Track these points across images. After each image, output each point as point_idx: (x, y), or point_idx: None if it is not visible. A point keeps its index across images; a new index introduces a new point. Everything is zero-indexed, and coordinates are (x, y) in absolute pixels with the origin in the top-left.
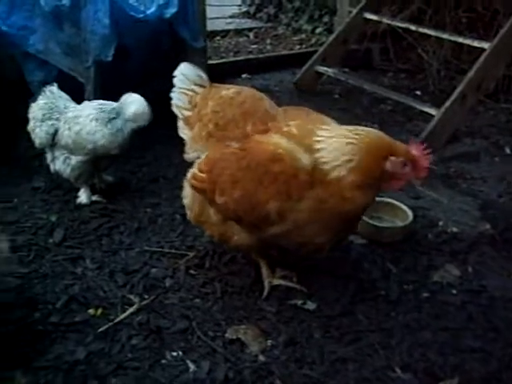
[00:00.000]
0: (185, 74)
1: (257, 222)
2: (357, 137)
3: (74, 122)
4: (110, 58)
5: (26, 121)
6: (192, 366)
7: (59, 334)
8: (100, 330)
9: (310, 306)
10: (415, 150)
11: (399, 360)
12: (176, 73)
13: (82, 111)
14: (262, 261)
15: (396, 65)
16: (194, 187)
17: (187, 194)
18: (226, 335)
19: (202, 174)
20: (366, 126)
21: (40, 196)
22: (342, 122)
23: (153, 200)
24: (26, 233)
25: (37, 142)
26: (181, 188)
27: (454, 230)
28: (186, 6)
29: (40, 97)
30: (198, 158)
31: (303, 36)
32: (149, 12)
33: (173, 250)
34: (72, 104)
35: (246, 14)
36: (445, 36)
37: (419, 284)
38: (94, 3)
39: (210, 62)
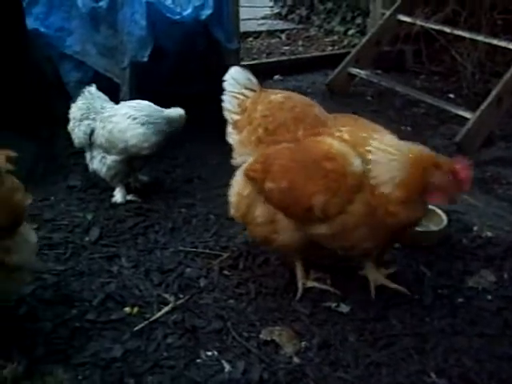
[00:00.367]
0: (235, 77)
1: (301, 214)
2: (401, 153)
3: (107, 121)
4: (145, 59)
5: (64, 120)
6: (227, 366)
7: (96, 331)
8: (136, 328)
9: (344, 308)
10: (458, 164)
11: (434, 365)
12: (226, 77)
13: (118, 110)
14: (298, 262)
15: (429, 67)
16: (247, 176)
17: (234, 193)
18: (261, 336)
19: (255, 165)
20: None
21: (76, 194)
22: (374, 123)
23: (187, 200)
24: (62, 230)
25: (76, 141)
26: (215, 189)
27: (489, 234)
28: (221, 8)
29: (79, 97)
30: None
31: (335, 37)
32: (185, 13)
33: (207, 251)
34: (109, 104)
35: (278, 16)
36: (480, 38)
37: (454, 289)
38: (131, 5)
39: (243, 63)
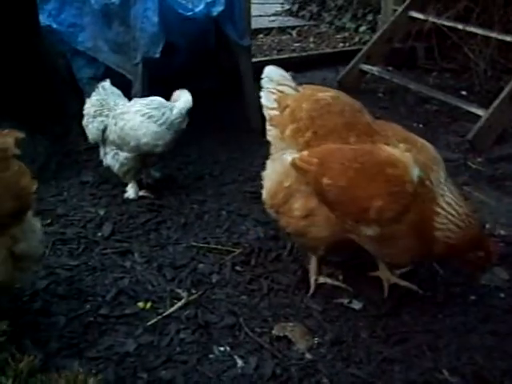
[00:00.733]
0: (269, 75)
1: (354, 214)
2: (468, 223)
3: (120, 118)
4: (157, 55)
5: (77, 116)
6: (239, 362)
7: (109, 325)
8: (149, 323)
9: (356, 305)
10: (493, 247)
11: (446, 362)
12: (263, 75)
13: (130, 107)
14: (314, 258)
15: (441, 64)
16: (298, 168)
17: (272, 182)
18: (273, 332)
19: (311, 158)
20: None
21: (88, 190)
22: (386, 121)
23: (199, 197)
24: (75, 226)
25: (89, 137)
26: (226, 185)
27: (502, 232)
28: (233, 4)
29: (93, 93)
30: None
31: (346, 34)
32: (197, 10)
33: (219, 246)
34: (122, 100)
35: (289, 12)
36: (493, 35)
37: (466, 287)
38: (143, 1)
39: (254, 59)
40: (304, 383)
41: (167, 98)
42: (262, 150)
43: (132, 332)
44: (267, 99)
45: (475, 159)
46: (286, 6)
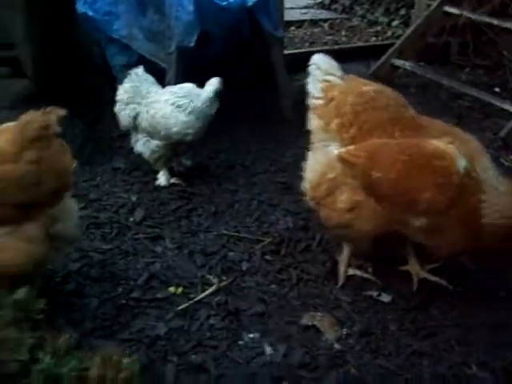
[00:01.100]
0: (317, 63)
1: (403, 205)
2: None
3: (151, 107)
4: (192, 44)
5: (110, 103)
6: (268, 349)
7: (141, 309)
8: (180, 307)
9: (385, 298)
10: None
11: (475, 357)
12: (310, 62)
13: (160, 96)
14: (347, 250)
15: (474, 60)
16: (345, 160)
17: (315, 173)
18: (302, 321)
19: (359, 152)
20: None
21: (120, 176)
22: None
23: (230, 186)
24: (107, 210)
25: (121, 124)
26: (257, 175)
27: None
28: None
29: (126, 80)
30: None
31: (379, 28)
32: (232, 0)
33: (249, 235)
34: (155, 88)
35: (321, 5)
36: None
37: (497, 282)
38: None
39: (286, 51)
40: (332, 373)
41: (201, 87)
42: (294, 141)
43: (163, 316)
44: (313, 87)
45: (508, 156)
46: None
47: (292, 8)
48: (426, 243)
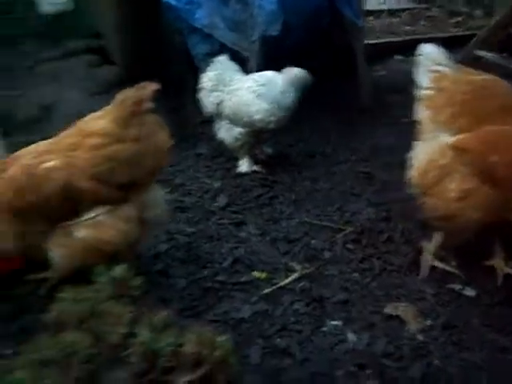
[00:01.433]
0: (428, 53)
1: None
2: None
3: (234, 94)
4: (275, 33)
5: (192, 90)
6: (351, 337)
7: (226, 291)
8: (264, 292)
9: (469, 292)
10: None
11: None
12: (419, 52)
13: (243, 84)
14: (435, 241)
15: None
16: (459, 148)
17: (424, 160)
18: (385, 311)
19: (473, 139)
20: None
21: (203, 162)
22: None
23: (311, 174)
24: (192, 195)
25: (205, 110)
26: (337, 165)
27: None
28: None
29: (210, 67)
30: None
31: (459, 19)
32: None
33: (331, 224)
34: (238, 75)
35: None
36: None
37: None
38: None
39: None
40: (416, 363)
41: None
42: (373, 130)
43: (247, 299)
44: (423, 78)
45: None
46: None
47: None
48: None
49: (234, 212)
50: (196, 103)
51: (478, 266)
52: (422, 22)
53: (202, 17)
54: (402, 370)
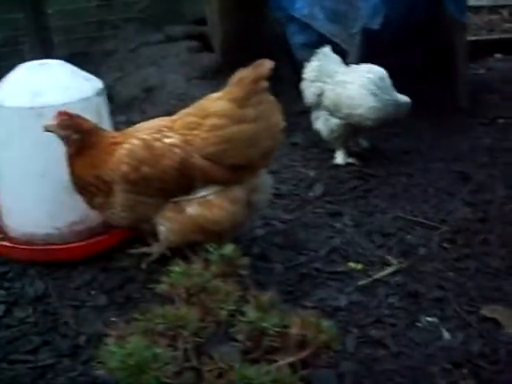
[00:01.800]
0: None
1: None
2: None
3: (339, 85)
4: (377, 27)
5: (288, 80)
6: (446, 335)
7: (322, 279)
8: (360, 283)
9: None
10: None
11: None
12: None
13: (350, 76)
14: None
15: None
16: None
17: None
18: (481, 312)
19: None
20: None
21: (299, 151)
22: None
23: (405, 170)
24: (288, 183)
25: (305, 100)
26: (433, 163)
27: None
28: None
29: (313, 58)
30: None
31: None
32: None
33: (426, 221)
34: (342, 67)
35: None
36: None
37: None
38: None
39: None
40: None
41: None
42: (469, 130)
43: (343, 289)
44: None
45: None
46: None
47: None
48: None
49: (329, 202)
50: (291, 92)
51: None
52: None
53: (302, 7)
54: (498, 373)
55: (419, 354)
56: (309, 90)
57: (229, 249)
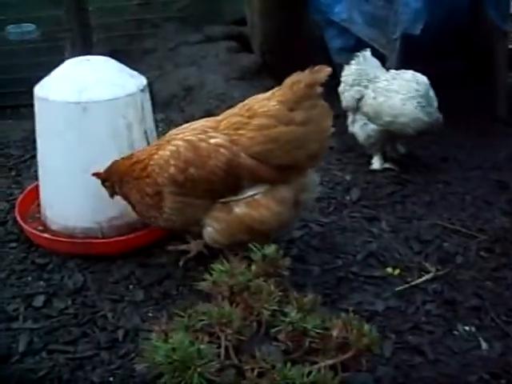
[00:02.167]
0: None
1: None
2: None
3: (380, 93)
4: (418, 32)
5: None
6: (484, 344)
7: (359, 283)
8: (397, 288)
9: None
10: None
11: None
12: None
13: (395, 85)
14: None
15: None
16: None
17: None
18: None
19: None
20: None
21: (334, 155)
22: None
23: (443, 178)
24: (324, 186)
25: (343, 104)
26: (471, 171)
27: None
28: None
29: (352, 61)
30: None
31: None
32: None
33: (463, 229)
34: (382, 72)
35: None
36: None
37: None
38: None
39: None
40: None
41: None
42: (507, 139)
43: (380, 294)
44: None
45: None
46: None
47: None
48: None
49: (366, 207)
50: (329, 96)
51: None
52: None
53: (340, 11)
54: None
55: (456, 362)
56: (348, 93)
57: (271, 249)
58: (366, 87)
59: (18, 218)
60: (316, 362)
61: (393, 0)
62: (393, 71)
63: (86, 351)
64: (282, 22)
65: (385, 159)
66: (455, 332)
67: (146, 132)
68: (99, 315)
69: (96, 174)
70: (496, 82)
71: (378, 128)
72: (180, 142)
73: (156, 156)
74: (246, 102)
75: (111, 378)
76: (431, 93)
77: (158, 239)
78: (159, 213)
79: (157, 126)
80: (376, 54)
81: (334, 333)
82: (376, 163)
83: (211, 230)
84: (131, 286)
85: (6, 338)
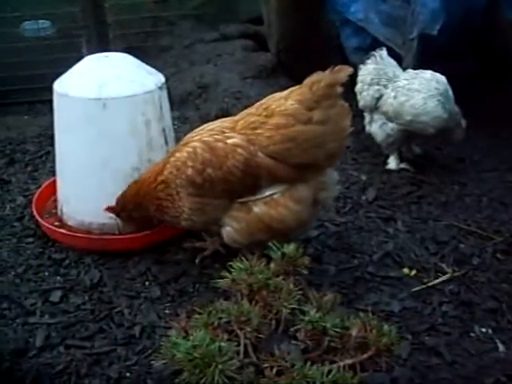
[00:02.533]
0: None
1: None
2: None
3: (401, 93)
4: (435, 33)
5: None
6: (501, 346)
7: (375, 284)
8: (413, 289)
9: None
10: None
11: None
12: None
13: (415, 84)
14: None
15: None
16: None
17: None
18: None
19: None
20: None
21: (350, 155)
22: None
23: (459, 178)
24: (340, 186)
25: (361, 103)
26: (487, 172)
27: None
28: None
29: (369, 61)
30: None
31: None
32: None
33: (480, 231)
34: (401, 72)
35: None
36: None
37: None
38: None
39: None
40: None
41: None
42: None
43: (396, 294)
44: None
45: None
46: None
47: None
48: None
49: (382, 207)
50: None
51: None
52: None
53: (357, 10)
54: None
55: (473, 364)
56: (366, 92)
57: (291, 247)
58: (385, 86)
59: (35, 214)
60: (335, 362)
61: (410, 0)
62: (411, 71)
63: (103, 347)
64: (298, 22)
65: (401, 159)
66: (472, 334)
67: (164, 130)
68: (116, 311)
69: (109, 209)
70: None
71: (398, 127)
72: (197, 144)
73: (173, 158)
74: (263, 101)
75: (128, 374)
76: (450, 92)
77: (174, 236)
78: (179, 212)
79: (172, 124)
80: (391, 53)
81: (353, 332)
82: (392, 163)
83: (230, 229)
84: (147, 283)
85: (24, 333)
